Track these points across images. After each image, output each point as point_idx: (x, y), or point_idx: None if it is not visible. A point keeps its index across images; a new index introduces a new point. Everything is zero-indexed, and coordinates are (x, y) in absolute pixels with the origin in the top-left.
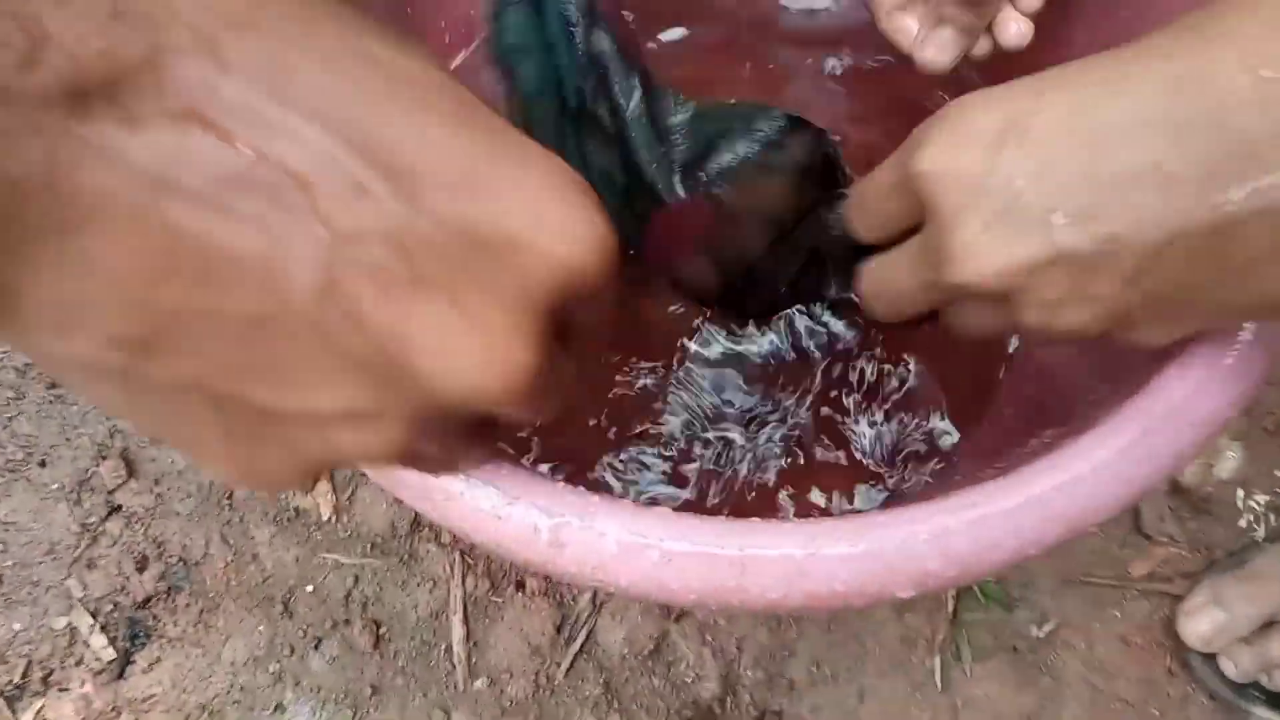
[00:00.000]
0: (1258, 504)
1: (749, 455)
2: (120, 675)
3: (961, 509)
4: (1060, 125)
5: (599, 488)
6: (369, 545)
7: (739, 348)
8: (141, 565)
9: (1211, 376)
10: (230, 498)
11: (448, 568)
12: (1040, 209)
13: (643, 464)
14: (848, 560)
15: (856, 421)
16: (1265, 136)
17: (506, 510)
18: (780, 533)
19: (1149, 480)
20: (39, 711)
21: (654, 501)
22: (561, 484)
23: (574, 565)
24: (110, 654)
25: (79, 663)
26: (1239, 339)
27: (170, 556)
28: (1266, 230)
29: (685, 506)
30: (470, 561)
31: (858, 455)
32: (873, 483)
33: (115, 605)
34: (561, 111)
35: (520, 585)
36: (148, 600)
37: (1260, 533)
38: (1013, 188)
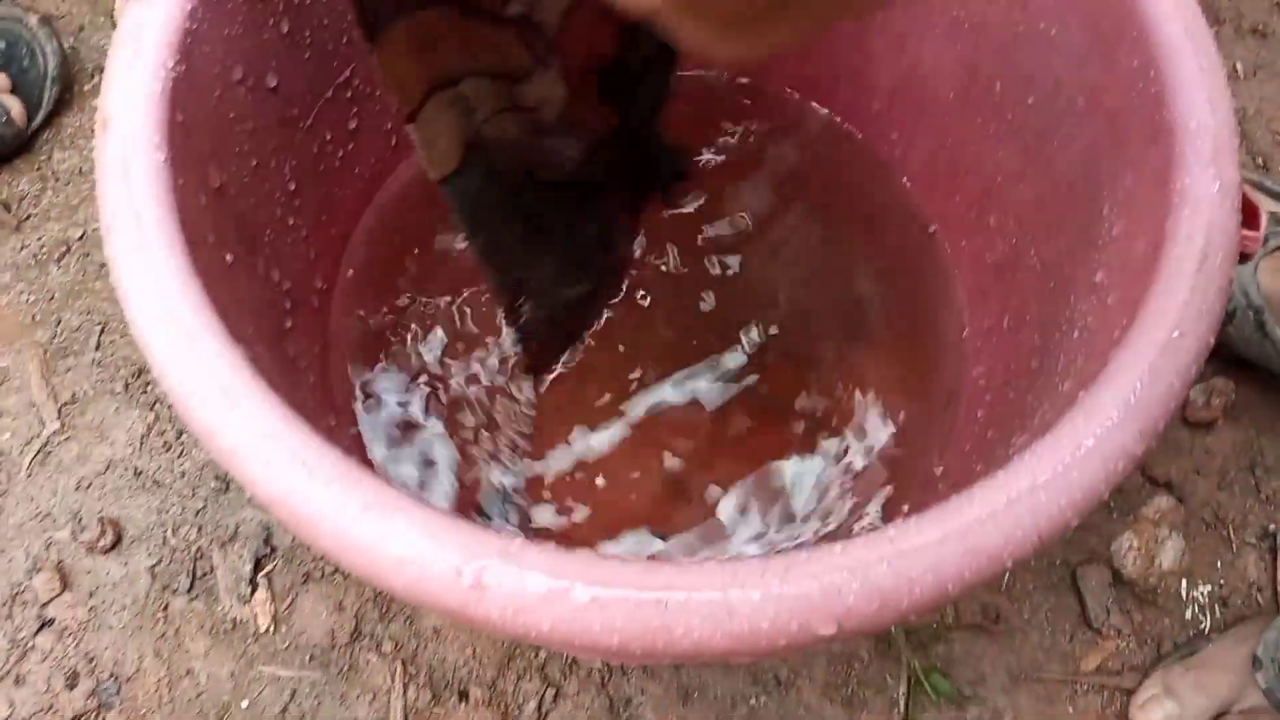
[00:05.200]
0: (1201, 595)
1: None
2: None
3: (879, 543)
4: None
5: None
6: (308, 656)
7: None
8: (72, 682)
9: (1124, 411)
10: (166, 610)
11: (388, 678)
12: None
13: None
14: (770, 597)
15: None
16: None
17: (427, 554)
18: (704, 572)
19: (1066, 515)
20: None
21: None
22: (481, 526)
23: (495, 609)
24: None
25: None
26: (1148, 380)
27: (102, 672)
28: None
29: None
30: (412, 671)
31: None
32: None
33: None
34: None
35: (464, 695)
36: (77, 718)
37: (1206, 624)
38: None
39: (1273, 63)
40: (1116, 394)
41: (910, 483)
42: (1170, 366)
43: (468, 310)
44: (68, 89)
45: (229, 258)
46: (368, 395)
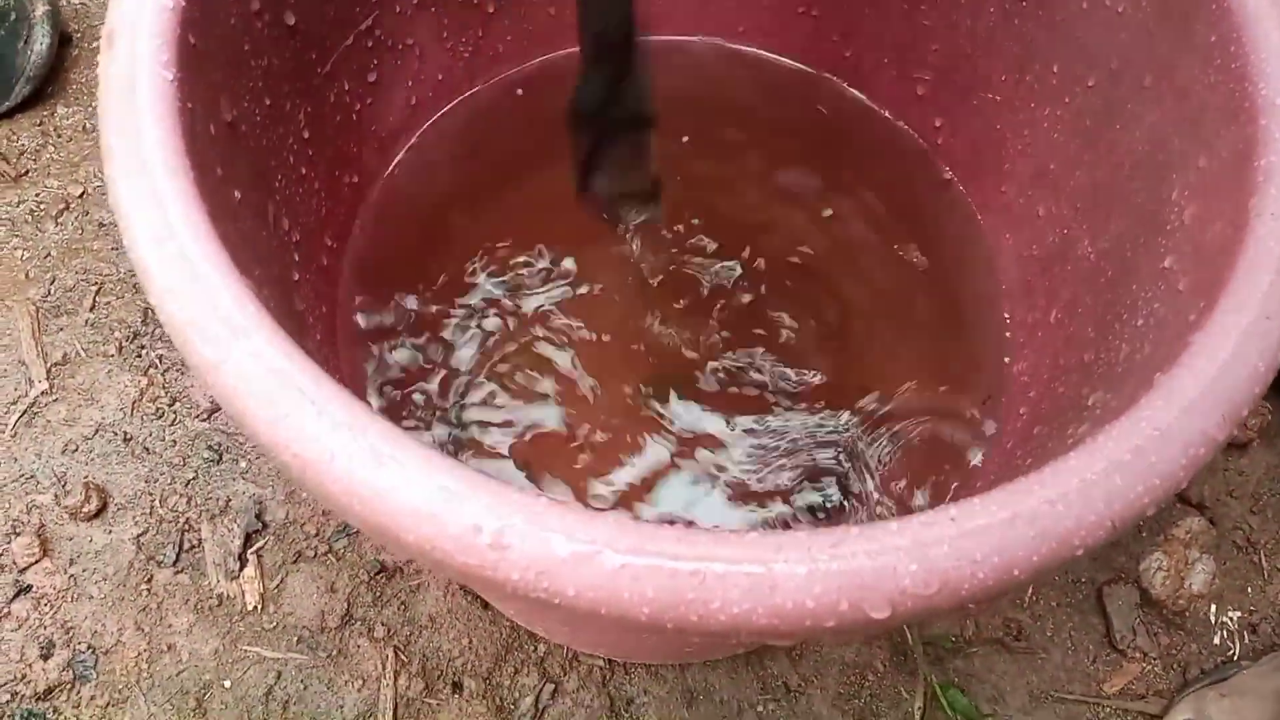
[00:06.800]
0: (1231, 620)
1: None
2: None
3: (940, 522)
4: None
5: None
6: (295, 639)
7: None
8: (46, 652)
9: (1207, 393)
10: (149, 582)
11: (379, 665)
12: None
13: None
14: (818, 573)
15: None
16: None
17: (444, 507)
18: (746, 542)
19: (1142, 501)
20: None
21: None
22: (505, 483)
23: (516, 571)
24: None
25: None
26: (1232, 361)
27: (79, 643)
28: None
29: None
30: (404, 659)
31: None
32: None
33: (13, 695)
34: None
35: (457, 687)
36: (49, 691)
37: (1235, 651)
38: None
39: None
40: (1199, 377)
41: (945, 481)
42: (1255, 350)
43: (486, 292)
44: (38, 94)
45: (237, 195)
46: (375, 368)
